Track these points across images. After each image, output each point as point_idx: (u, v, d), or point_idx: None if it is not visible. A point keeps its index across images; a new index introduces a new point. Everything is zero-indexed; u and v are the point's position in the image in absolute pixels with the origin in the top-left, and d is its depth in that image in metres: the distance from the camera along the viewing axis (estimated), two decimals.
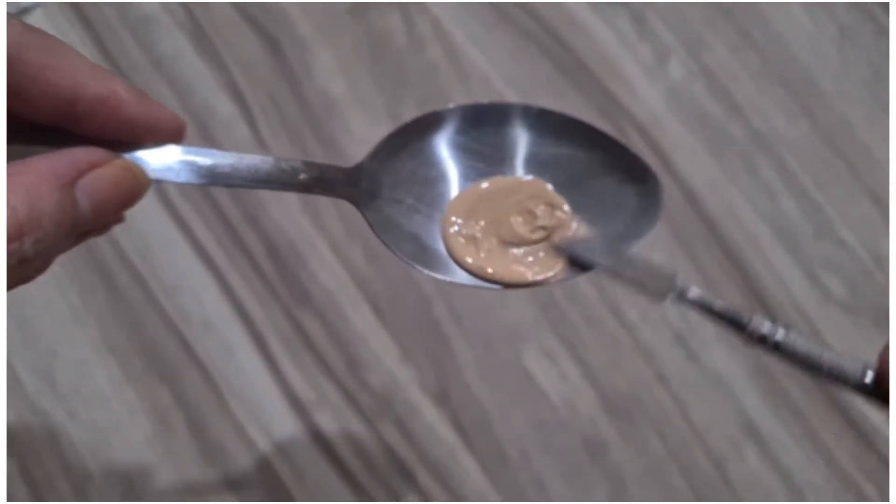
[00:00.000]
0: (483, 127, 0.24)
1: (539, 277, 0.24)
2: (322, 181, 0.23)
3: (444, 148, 0.24)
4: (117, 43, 0.43)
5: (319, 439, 0.39)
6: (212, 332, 0.40)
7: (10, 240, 0.17)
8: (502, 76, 0.43)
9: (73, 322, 0.40)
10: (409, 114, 0.42)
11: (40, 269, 0.19)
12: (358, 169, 0.24)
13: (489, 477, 0.39)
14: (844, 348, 0.21)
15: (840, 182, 0.42)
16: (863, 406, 0.39)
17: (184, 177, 0.22)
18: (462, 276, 0.24)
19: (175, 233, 0.41)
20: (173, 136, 0.22)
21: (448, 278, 0.24)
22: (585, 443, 0.39)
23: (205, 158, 0.22)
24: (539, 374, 0.40)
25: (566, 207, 0.24)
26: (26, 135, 0.20)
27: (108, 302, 0.40)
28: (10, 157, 0.19)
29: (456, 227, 0.24)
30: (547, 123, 0.24)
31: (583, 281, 0.40)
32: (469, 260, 0.24)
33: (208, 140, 0.42)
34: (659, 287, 0.22)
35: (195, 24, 0.44)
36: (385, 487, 0.38)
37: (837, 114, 0.42)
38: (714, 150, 0.42)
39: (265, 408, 0.39)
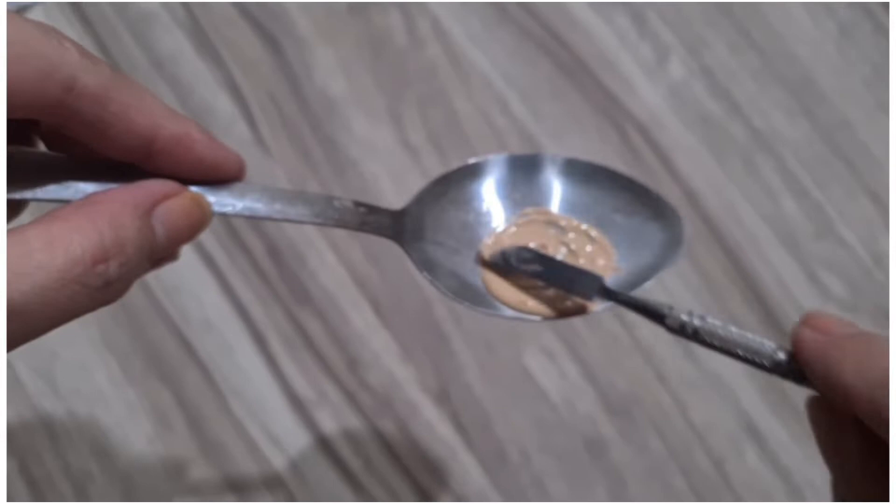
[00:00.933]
0: (518, 174, 0.27)
1: (575, 307, 0.25)
2: (370, 221, 0.24)
3: (482, 194, 0.26)
4: (117, 42, 0.43)
5: (319, 438, 0.39)
6: (212, 331, 0.40)
7: (96, 262, 0.19)
8: (502, 75, 0.43)
9: (74, 322, 0.40)
10: (409, 113, 0.43)
11: (120, 292, 0.20)
12: (403, 212, 0.25)
13: (489, 476, 0.39)
14: None
15: (840, 182, 0.42)
16: None
17: (241, 211, 0.23)
18: (505, 310, 0.25)
19: None
20: (235, 174, 0.23)
21: (491, 312, 0.25)
22: (585, 442, 0.39)
23: (261, 194, 0.23)
24: (539, 373, 0.40)
25: (594, 234, 0.26)
26: (103, 170, 0.22)
27: None
28: (90, 189, 0.22)
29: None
30: (576, 171, 0.27)
31: None
32: (504, 294, 0.26)
33: None
34: (585, 287, 0.24)
35: (195, 22, 0.44)
36: (385, 486, 0.38)
37: (837, 113, 0.42)
38: (714, 150, 0.42)
39: (265, 407, 0.39)
